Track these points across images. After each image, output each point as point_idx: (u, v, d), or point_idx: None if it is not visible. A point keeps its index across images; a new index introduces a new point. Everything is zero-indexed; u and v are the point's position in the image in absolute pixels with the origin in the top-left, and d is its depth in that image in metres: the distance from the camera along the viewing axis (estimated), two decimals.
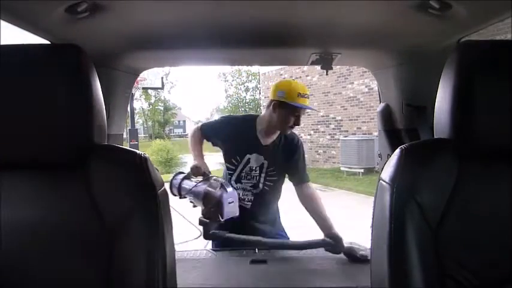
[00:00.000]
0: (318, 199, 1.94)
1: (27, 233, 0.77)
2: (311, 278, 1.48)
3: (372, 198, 0.89)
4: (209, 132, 2.01)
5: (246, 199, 1.93)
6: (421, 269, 0.76)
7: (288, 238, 2.04)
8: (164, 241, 0.79)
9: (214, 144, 2.00)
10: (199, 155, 1.97)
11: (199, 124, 2.10)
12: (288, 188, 2.02)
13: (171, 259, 0.84)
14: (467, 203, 0.78)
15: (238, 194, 1.87)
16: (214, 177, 1.79)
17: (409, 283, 0.76)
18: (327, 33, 1.33)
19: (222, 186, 1.70)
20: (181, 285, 0.92)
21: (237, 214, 1.71)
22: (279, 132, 1.91)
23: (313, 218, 1.90)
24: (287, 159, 1.93)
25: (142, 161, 0.81)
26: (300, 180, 1.94)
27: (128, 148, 0.88)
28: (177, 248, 0.96)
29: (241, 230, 1.80)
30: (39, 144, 0.76)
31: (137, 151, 0.83)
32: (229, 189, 1.70)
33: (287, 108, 1.80)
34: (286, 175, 1.98)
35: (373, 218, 0.87)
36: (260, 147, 1.91)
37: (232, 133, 1.93)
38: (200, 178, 1.84)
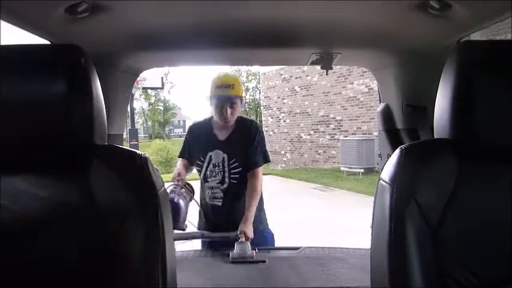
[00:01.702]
0: (254, 191, 1.91)
1: (27, 233, 0.77)
2: (311, 278, 1.48)
3: (372, 198, 0.89)
4: (183, 151, 2.09)
5: (217, 197, 1.97)
6: (421, 269, 0.76)
7: (273, 235, 2.05)
8: (164, 241, 0.79)
9: (191, 157, 2.04)
10: (181, 165, 2.06)
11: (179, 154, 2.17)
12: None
13: (171, 259, 0.84)
14: (467, 203, 0.78)
15: (208, 193, 1.96)
16: (182, 184, 1.88)
17: (409, 283, 0.76)
18: (327, 33, 1.33)
19: (181, 194, 1.81)
20: (182, 285, 0.92)
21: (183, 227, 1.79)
22: (234, 124, 1.98)
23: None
24: (244, 148, 1.95)
25: (143, 161, 0.81)
26: (251, 166, 1.94)
27: (128, 148, 0.88)
28: (177, 248, 0.96)
29: (220, 228, 1.88)
30: (40, 145, 0.76)
31: (137, 151, 0.83)
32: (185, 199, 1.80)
33: (212, 100, 1.92)
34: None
35: (373, 218, 0.87)
36: (218, 143, 1.97)
37: (195, 137, 2.06)
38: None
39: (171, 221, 0.86)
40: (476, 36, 1.17)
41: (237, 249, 1.70)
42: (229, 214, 1.92)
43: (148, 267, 0.77)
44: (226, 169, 1.94)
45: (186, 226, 1.80)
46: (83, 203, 0.77)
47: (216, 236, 1.84)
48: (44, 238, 0.77)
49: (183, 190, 1.87)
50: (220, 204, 1.95)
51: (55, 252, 0.77)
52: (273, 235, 2.05)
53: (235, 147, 1.95)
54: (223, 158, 1.94)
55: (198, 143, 2.02)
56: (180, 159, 2.10)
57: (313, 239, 3.68)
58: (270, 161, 2.08)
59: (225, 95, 1.89)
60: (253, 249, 1.78)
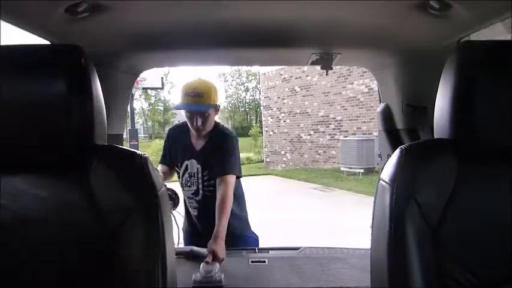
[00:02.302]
0: (223, 203, 1.69)
1: (27, 233, 0.77)
2: (311, 278, 1.48)
3: (372, 198, 0.89)
4: (163, 156, 2.00)
5: (192, 206, 1.92)
6: (421, 269, 0.76)
7: (257, 238, 1.99)
8: (164, 241, 0.79)
9: (171, 163, 1.96)
10: (160, 171, 1.94)
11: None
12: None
13: (171, 259, 0.84)
14: (467, 203, 0.78)
15: (187, 201, 1.90)
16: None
17: (409, 283, 0.76)
18: (327, 33, 1.33)
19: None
20: (182, 285, 0.92)
21: None
22: (209, 133, 1.85)
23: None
24: (217, 160, 1.79)
25: (143, 161, 0.81)
26: (219, 173, 1.75)
27: (128, 148, 0.88)
28: (177, 248, 0.96)
29: (198, 238, 1.80)
30: (40, 145, 0.76)
31: (137, 151, 0.83)
32: None
33: (182, 108, 1.81)
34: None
35: (373, 218, 0.87)
36: (193, 152, 1.87)
37: (173, 142, 1.96)
38: None
39: (171, 220, 0.86)
40: (476, 36, 1.17)
41: (202, 271, 1.42)
42: (205, 224, 1.83)
43: (148, 267, 0.77)
44: (200, 180, 1.86)
45: None
46: (83, 203, 0.77)
47: (186, 251, 1.67)
48: (43, 238, 0.77)
49: None
50: (196, 213, 1.91)
51: (55, 252, 0.77)
52: (257, 238, 1.98)
53: (209, 158, 1.83)
54: (197, 168, 1.86)
55: (175, 150, 1.94)
56: (160, 165, 1.98)
57: (313, 239, 3.68)
58: (240, 176, 1.86)
59: (193, 104, 1.77)
60: (252, 249, 1.78)
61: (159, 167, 1.97)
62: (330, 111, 11.36)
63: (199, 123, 1.77)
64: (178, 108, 1.82)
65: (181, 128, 1.96)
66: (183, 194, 1.93)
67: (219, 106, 1.89)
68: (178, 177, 1.94)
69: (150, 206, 0.79)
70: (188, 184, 1.90)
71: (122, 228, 0.76)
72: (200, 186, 1.87)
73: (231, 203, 1.71)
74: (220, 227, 1.63)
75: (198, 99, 1.77)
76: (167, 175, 1.96)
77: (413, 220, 0.77)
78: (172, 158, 1.95)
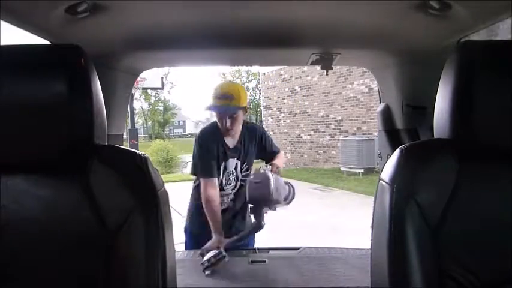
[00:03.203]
0: (280, 157, 2.10)
1: (27, 233, 0.77)
2: (310, 278, 1.48)
3: (372, 198, 0.89)
4: (206, 167, 1.91)
5: (228, 200, 2.00)
6: (421, 269, 0.76)
7: (253, 236, 2.03)
8: (164, 241, 0.79)
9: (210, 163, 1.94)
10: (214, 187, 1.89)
11: (204, 173, 1.92)
12: None
13: (171, 259, 0.84)
14: (467, 203, 0.78)
15: (222, 201, 1.93)
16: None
17: (409, 283, 0.76)
18: (327, 33, 1.33)
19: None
20: (181, 285, 0.92)
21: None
22: (240, 129, 1.96)
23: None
24: (255, 149, 2.01)
25: (143, 161, 0.81)
26: (273, 155, 2.06)
27: (128, 148, 0.88)
28: (177, 248, 0.96)
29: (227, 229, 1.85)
30: (39, 145, 0.76)
31: (137, 151, 0.83)
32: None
33: (212, 110, 1.91)
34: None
35: (373, 218, 0.87)
36: (230, 151, 1.95)
37: (207, 145, 1.93)
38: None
39: (171, 221, 0.86)
40: (476, 36, 1.17)
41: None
42: (236, 214, 2.02)
43: (148, 267, 0.77)
44: (239, 174, 1.98)
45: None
46: (83, 203, 0.77)
47: (236, 239, 1.76)
48: (43, 238, 0.77)
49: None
50: (231, 205, 2.00)
51: (55, 252, 0.77)
52: (253, 236, 2.05)
53: (245, 152, 1.98)
54: (236, 164, 1.96)
55: (211, 153, 1.92)
56: (212, 179, 1.89)
57: (313, 239, 3.68)
58: (279, 151, 2.14)
59: (223, 106, 1.85)
60: (252, 249, 1.79)
61: (212, 183, 1.89)
62: (330, 111, 11.35)
63: (229, 124, 1.86)
64: (209, 109, 1.89)
65: (210, 131, 1.98)
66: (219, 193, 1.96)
67: (248, 108, 1.97)
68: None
69: (150, 206, 0.79)
70: (229, 182, 1.97)
71: (122, 228, 0.76)
72: (239, 179, 1.98)
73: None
74: (278, 160, 2.03)
75: (228, 102, 1.85)
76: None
77: (413, 220, 0.77)
78: (208, 162, 1.93)
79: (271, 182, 1.67)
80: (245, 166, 1.99)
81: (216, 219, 1.82)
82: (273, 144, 2.11)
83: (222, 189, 1.96)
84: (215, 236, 1.79)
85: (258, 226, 1.68)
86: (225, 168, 1.94)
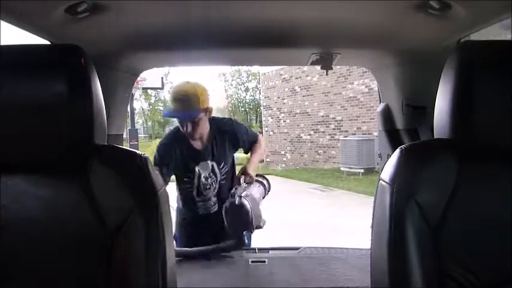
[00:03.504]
0: (258, 150, 2.00)
1: (27, 233, 0.77)
2: (310, 278, 1.48)
3: (372, 198, 0.89)
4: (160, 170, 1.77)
5: (211, 204, 1.91)
6: (421, 269, 0.76)
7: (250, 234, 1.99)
8: (164, 241, 0.79)
9: (165, 178, 1.79)
10: None
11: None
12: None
13: (171, 259, 0.84)
14: (467, 203, 0.78)
15: (201, 205, 1.88)
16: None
17: (409, 283, 0.76)
18: (327, 33, 1.33)
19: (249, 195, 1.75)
20: (181, 285, 0.92)
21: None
22: (208, 128, 1.85)
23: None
24: (230, 146, 1.91)
25: (143, 161, 0.81)
26: (251, 144, 1.98)
27: (128, 148, 0.88)
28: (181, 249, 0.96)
29: (211, 235, 1.80)
30: (39, 145, 0.76)
31: (137, 151, 0.83)
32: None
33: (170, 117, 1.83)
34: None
35: (373, 218, 0.87)
36: (199, 153, 1.85)
37: (171, 153, 1.83)
38: None
39: (171, 221, 0.86)
40: (476, 36, 1.17)
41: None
42: (220, 215, 1.88)
43: (149, 267, 0.77)
44: (218, 175, 1.88)
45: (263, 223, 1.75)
46: (83, 203, 0.77)
47: (218, 247, 1.73)
48: (43, 238, 0.77)
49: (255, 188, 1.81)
50: (215, 209, 1.91)
51: (55, 252, 0.77)
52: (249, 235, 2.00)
53: (219, 152, 1.87)
54: (212, 166, 1.86)
55: (176, 161, 1.83)
56: None
57: (313, 239, 3.68)
58: (257, 139, 2.03)
59: (180, 111, 1.76)
60: (252, 249, 1.78)
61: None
62: (330, 111, 11.35)
63: (190, 128, 1.77)
64: (166, 115, 1.81)
65: (173, 137, 1.88)
66: (195, 201, 1.89)
67: (211, 108, 1.82)
68: (189, 188, 1.87)
69: (150, 206, 0.79)
70: (207, 187, 1.87)
71: (122, 228, 0.76)
72: (218, 180, 1.89)
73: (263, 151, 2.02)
74: (252, 160, 1.94)
75: (184, 105, 1.75)
76: None
77: (413, 220, 0.77)
78: (170, 171, 1.83)
79: (250, 212, 1.66)
80: (223, 166, 1.89)
81: None
82: (249, 134, 1.99)
83: (200, 194, 1.87)
84: None
85: (239, 244, 1.69)
86: (199, 173, 1.84)
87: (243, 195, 1.71)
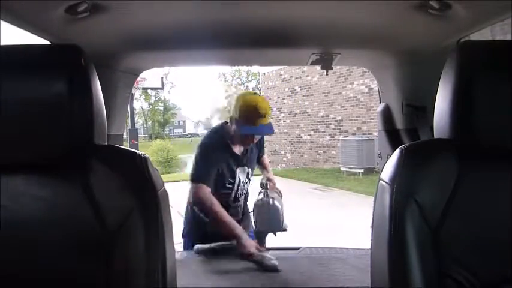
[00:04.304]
0: (268, 165, 2.09)
1: (27, 233, 0.77)
2: (310, 278, 1.48)
3: (372, 198, 0.89)
4: (204, 174, 1.73)
5: (240, 210, 1.93)
6: (421, 269, 0.76)
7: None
8: (164, 241, 0.79)
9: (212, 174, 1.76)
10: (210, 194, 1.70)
11: (195, 178, 1.74)
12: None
13: (171, 259, 0.84)
14: (467, 203, 0.78)
15: (234, 211, 1.86)
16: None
17: (409, 283, 0.76)
18: (327, 34, 1.33)
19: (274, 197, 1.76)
20: (182, 285, 0.92)
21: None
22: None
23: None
24: (257, 151, 1.97)
25: (143, 161, 0.81)
26: (261, 156, 2.04)
27: (128, 148, 0.88)
28: (177, 248, 0.96)
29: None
30: (39, 145, 0.76)
31: (137, 151, 0.83)
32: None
33: (238, 125, 1.71)
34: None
35: (373, 218, 0.87)
36: (239, 159, 1.84)
37: (215, 156, 1.76)
38: None
39: (171, 220, 0.86)
40: (476, 36, 1.17)
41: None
42: (243, 219, 1.95)
43: (149, 267, 0.77)
44: (248, 180, 1.91)
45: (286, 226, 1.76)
46: (83, 203, 0.77)
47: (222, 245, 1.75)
48: (43, 238, 0.77)
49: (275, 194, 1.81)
50: (241, 215, 1.94)
51: (55, 252, 0.77)
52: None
53: (252, 157, 1.92)
54: (248, 172, 1.89)
55: (221, 163, 1.77)
56: (204, 186, 1.70)
57: (313, 239, 3.67)
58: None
59: (265, 126, 1.69)
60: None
61: (205, 189, 1.70)
62: (330, 111, 11.35)
63: (255, 140, 1.78)
64: (250, 132, 1.70)
65: (216, 140, 1.80)
66: (233, 205, 1.87)
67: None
68: (228, 194, 1.82)
69: (150, 206, 0.79)
70: (243, 192, 1.90)
71: (121, 228, 0.76)
72: (247, 185, 1.93)
73: None
74: (269, 169, 2.06)
75: (263, 120, 1.68)
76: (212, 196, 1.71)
77: (413, 220, 0.77)
78: (213, 174, 1.74)
79: (281, 211, 1.69)
80: (252, 173, 1.93)
81: (223, 220, 1.67)
82: (263, 146, 2.06)
83: (236, 200, 1.86)
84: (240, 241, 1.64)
85: (260, 245, 1.70)
86: (239, 178, 1.83)
87: (271, 196, 1.73)
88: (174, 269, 0.86)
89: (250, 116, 1.68)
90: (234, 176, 1.82)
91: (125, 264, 0.77)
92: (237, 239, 1.66)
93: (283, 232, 1.73)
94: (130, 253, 0.77)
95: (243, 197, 1.92)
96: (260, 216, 1.71)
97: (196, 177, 1.72)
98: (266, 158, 2.10)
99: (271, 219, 1.69)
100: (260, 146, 1.98)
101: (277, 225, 1.70)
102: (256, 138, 1.80)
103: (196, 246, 1.75)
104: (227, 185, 1.81)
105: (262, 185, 1.79)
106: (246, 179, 1.89)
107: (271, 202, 1.69)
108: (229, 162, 1.79)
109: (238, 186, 1.85)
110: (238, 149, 1.83)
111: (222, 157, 1.78)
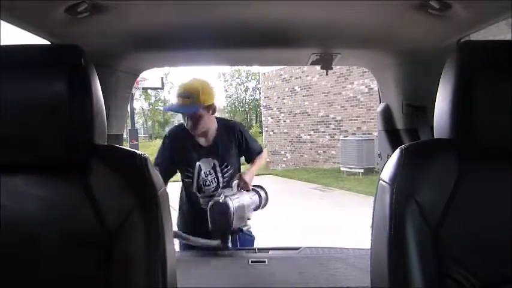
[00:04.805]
0: (259, 162, 2.05)
1: (27, 233, 0.77)
2: (310, 278, 1.48)
3: (372, 198, 0.89)
4: (161, 160, 1.91)
5: (200, 200, 1.94)
6: (421, 269, 0.76)
7: (253, 239, 2.02)
8: (164, 241, 0.79)
9: (167, 169, 1.87)
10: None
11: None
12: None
13: (171, 259, 0.84)
14: (467, 203, 0.78)
15: (203, 201, 1.90)
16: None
17: (409, 283, 0.76)
18: (327, 34, 1.33)
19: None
20: (182, 285, 0.92)
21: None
22: (215, 127, 1.91)
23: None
24: (235, 147, 1.95)
25: (143, 161, 0.81)
26: (253, 156, 2.02)
27: (128, 148, 0.88)
28: (176, 248, 0.96)
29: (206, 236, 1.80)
30: (39, 145, 0.76)
31: (137, 151, 0.83)
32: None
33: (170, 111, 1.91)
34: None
35: (373, 218, 0.87)
36: (203, 150, 1.89)
37: (175, 145, 1.91)
38: None
39: (171, 221, 0.86)
40: (476, 36, 1.17)
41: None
42: None
43: (149, 267, 0.77)
44: (219, 174, 1.92)
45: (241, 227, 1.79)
46: (82, 203, 0.77)
47: (202, 242, 1.80)
48: (43, 238, 0.77)
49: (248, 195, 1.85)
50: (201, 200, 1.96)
51: (55, 252, 0.77)
52: (253, 239, 2.04)
53: (222, 152, 1.91)
54: (214, 163, 1.91)
55: (181, 153, 1.91)
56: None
57: (313, 238, 3.68)
58: (262, 151, 2.09)
59: (181, 106, 1.83)
60: (252, 249, 1.79)
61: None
62: (330, 111, 11.35)
63: (190, 124, 1.82)
64: (166, 110, 1.91)
65: (180, 130, 1.93)
66: (197, 196, 1.93)
67: (214, 106, 1.88)
68: (189, 182, 1.92)
69: (150, 206, 0.79)
70: (207, 183, 1.92)
71: (121, 228, 0.76)
72: (220, 180, 1.92)
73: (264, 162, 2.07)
74: (251, 169, 1.97)
75: (186, 101, 1.80)
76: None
77: (413, 220, 0.77)
78: (174, 162, 1.91)
79: (231, 213, 1.70)
80: (225, 166, 1.93)
81: None
82: (253, 144, 2.04)
83: (200, 190, 1.92)
84: None
85: (222, 245, 1.74)
86: (200, 168, 1.89)
87: (230, 196, 1.75)
88: (174, 269, 0.86)
89: (176, 97, 1.84)
90: (192, 166, 1.89)
91: (124, 264, 0.77)
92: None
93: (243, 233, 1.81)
94: (130, 253, 0.77)
95: (210, 188, 1.92)
96: (210, 214, 1.74)
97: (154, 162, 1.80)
98: (260, 158, 2.06)
99: (219, 218, 1.71)
100: (238, 140, 1.96)
101: (224, 225, 1.72)
102: (201, 128, 1.84)
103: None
104: (186, 173, 1.92)
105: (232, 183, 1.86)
106: (211, 171, 1.91)
107: (221, 200, 1.71)
108: (189, 152, 1.88)
109: (199, 176, 1.90)
110: (203, 140, 1.90)
111: (183, 146, 1.89)
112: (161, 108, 31.82)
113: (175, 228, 1.95)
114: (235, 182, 1.86)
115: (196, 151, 1.89)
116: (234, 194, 1.80)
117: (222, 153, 1.91)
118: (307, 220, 5.76)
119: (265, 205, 2.01)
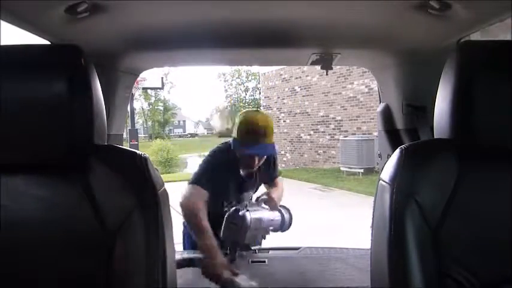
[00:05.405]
0: (278, 187, 1.86)
1: (27, 233, 0.77)
2: (310, 278, 1.48)
3: (372, 198, 0.89)
4: (205, 179, 1.59)
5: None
6: (421, 269, 0.76)
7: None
8: (164, 241, 0.79)
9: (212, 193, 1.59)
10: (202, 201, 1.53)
11: (192, 180, 1.61)
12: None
13: (171, 259, 0.84)
14: (467, 203, 0.78)
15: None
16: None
17: (409, 283, 0.76)
18: (327, 34, 1.33)
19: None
20: (181, 285, 0.92)
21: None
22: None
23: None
24: (267, 176, 1.83)
25: (143, 161, 0.81)
26: (272, 180, 1.89)
27: (128, 148, 0.88)
28: (176, 248, 0.96)
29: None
30: (39, 145, 0.76)
31: (137, 151, 0.83)
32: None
33: (237, 145, 1.59)
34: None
35: (373, 218, 0.87)
36: (246, 184, 1.75)
37: (220, 173, 1.61)
38: None
39: (171, 221, 0.86)
40: (476, 36, 1.17)
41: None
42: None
43: (149, 267, 0.77)
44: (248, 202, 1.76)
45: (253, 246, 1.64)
46: (82, 203, 0.77)
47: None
48: (43, 238, 0.77)
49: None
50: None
51: (55, 252, 0.77)
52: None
53: (259, 182, 1.81)
54: (251, 195, 1.82)
55: (223, 183, 1.64)
56: (197, 186, 1.56)
57: (313, 238, 3.68)
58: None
59: (261, 145, 1.57)
60: (252, 250, 1.78)
61: (199, 190, 1.56)
62: (330, 111, 11.35)
63: (256, 162, 1.60)
64: (244, 152, 1.56)
65: (227, 157, 1.65)
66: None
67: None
68: (222, 214, 1.64)
69: (150, 206, 0.79)
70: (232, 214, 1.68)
71: (122, 228, 0.76)
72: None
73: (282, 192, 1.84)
74: (278, 190, 1.79)
75: (261, 139, 1.56)
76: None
77: (413, 220, 0.77)
78: (216, 189, 1.60)
79: (247, 226, 1.53)
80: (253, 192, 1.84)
81: (202, 236, 1.48)
82: (276, 168, 1.90)
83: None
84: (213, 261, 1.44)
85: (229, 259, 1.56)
86: (239, 203, 1.68)
87: (252, 210, 1.59)
88: (174, 269, 0.86)
89: (248, 134, 1.57)
90: (238, 201, 1.69)
91: (124, 264, 0.77)
92: (205, 252, 1.45)
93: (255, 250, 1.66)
94: (130, 253, 0.77)
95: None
96: (225, 223, 1.58)
97: (194, 179, 1.60)
98: (278, 181, 1.88)
99: (234, 229, 1.55)
100: (270, 166, 1.79)
101: (235, 238, 1.56)
102: (259, 159, 1.63)
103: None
104: (225, 209, 1.65)
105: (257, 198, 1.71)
106: (249, 201, 1.76)
107: (240, 213, 1.55)
108: (235, 187, 1.69)
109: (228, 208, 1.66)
110: (245, 173, 1.72)
111: (227, 180, 1.65)
112: (161, 108, 31.91)
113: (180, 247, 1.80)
114: (261, 198, 1.72)
115: (239, 186, 1.71)
116: (256, 210, 1.63)
117: (259, 183, 1.81)
118: (307, 220, 5.75)
119: (286, 229, 1.78)
